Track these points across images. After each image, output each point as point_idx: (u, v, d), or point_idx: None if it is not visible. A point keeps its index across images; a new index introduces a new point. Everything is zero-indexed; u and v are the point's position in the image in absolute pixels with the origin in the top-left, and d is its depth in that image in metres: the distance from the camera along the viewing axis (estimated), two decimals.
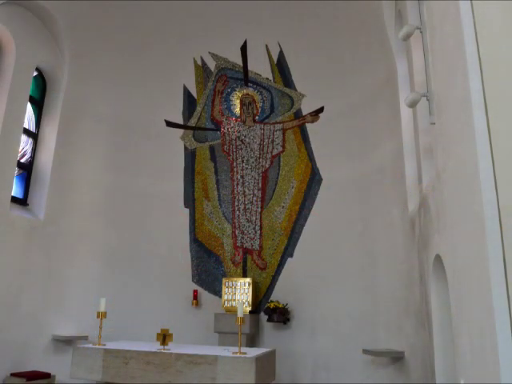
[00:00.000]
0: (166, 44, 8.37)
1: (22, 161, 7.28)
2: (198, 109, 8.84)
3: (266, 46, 8.43)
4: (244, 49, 8.56)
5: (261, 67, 8.62)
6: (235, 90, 8.81)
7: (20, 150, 7.09)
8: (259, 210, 8.37)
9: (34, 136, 7.52)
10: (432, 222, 4.05)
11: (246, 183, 8.52)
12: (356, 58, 7.50)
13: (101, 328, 5.77)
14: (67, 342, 7.14)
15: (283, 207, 8.23)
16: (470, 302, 2.72)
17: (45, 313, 7.00)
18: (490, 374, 2.42)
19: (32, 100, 7.44)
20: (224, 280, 7.93)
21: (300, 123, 8.40)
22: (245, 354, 4.95)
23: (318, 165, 8.09)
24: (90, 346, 5.52)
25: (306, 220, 8.01)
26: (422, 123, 4.79)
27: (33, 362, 6.65)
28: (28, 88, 7.08)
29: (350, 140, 7.61)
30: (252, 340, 7.69)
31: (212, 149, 8.77)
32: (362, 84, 7.43)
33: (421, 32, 4.15)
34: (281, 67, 8.50)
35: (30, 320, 6.76)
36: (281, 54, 8.42)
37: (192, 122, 8.82)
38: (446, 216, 3.38)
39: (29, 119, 7.44)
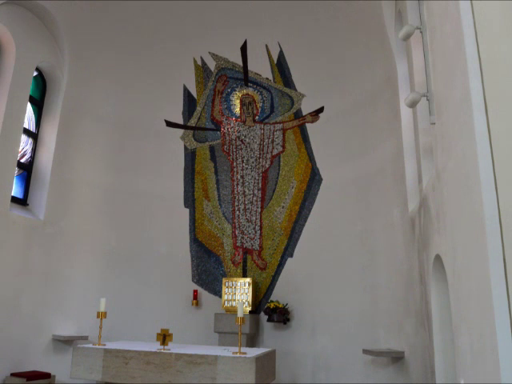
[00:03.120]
0: (166, 44, 8.37)
1: (22, 161, 7.28)
2: (198, 109, 8.84)
3: (266, 46, 8.42)
4: (244, 49, 8.56)
5: (261, 67, 8.62)
6: (235, 90, 8.81)
7: (20, 150, 7.09)
8: (259, 209, 8.37)
9: (34, 136, 7.52)
10: (432, 221, 4.04)
11: (246, 183, 8.52)
12: (356, 58, 7.50)
13: (101, 328, 5.77)
14: (67, 341, 7.14)
15: (283, 207, 8.23)
16: (470, 301, 2.72)
17: (45, 313, 7.00)
18: (490, 373, 2.42)
19: (32, 100, 7.44)
20: (224, 280, 7.93)
21: (300, 123, 8.40)
22: (245, 354, 4.95)
23: (318, 165, 8.09)
24: (90, 345, 5.51)
25: (305, 220, 8.01)
26: (422, 123, 4.79)
27: (33, 362, 6.65)
28: (28, 88, 7.08)
29: (349, 140, 7.61)
30: (252, 340, 7.69)
31: (212, 149, 8.77)
32: (361, 84, 7.43)
33: (421, 32, 4.15)
34: (281, 67, 8.50)
35: (30, 320, 6.76)
36: (281, 54, 8.42)
37: (192, 122, 8.82)
38: (446, 216, 3.38)
39: (29, 119, 7.44)
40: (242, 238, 8.33)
